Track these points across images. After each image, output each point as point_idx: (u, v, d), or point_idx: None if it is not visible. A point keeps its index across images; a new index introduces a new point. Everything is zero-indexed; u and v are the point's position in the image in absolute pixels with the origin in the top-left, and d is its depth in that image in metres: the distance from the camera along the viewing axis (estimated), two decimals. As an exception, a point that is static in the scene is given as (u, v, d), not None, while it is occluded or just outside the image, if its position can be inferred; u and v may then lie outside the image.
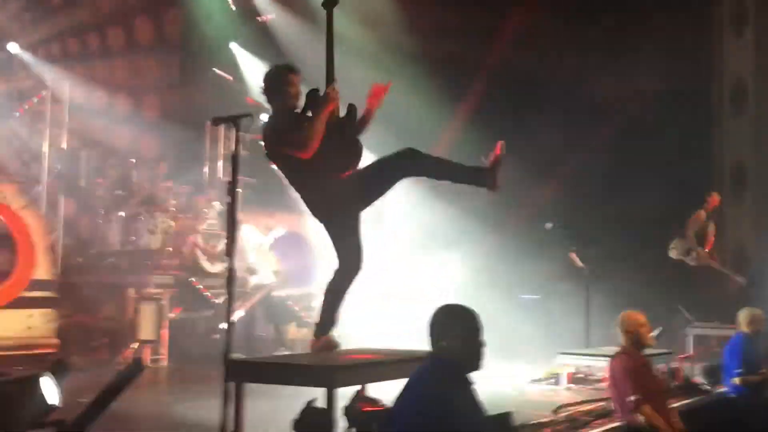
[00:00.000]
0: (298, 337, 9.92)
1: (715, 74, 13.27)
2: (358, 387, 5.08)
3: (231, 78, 12.02)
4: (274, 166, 5.21)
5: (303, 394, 4.73)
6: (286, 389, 5.05)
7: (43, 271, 8.81)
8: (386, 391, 4.83)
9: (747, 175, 12.96)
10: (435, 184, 5.52)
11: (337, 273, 5.21)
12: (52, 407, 3.64)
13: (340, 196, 5.08)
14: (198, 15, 12.29)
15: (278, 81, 5.18)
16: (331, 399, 4.40)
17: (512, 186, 12.28)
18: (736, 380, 7.38)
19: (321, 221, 5.21)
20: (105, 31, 12.48)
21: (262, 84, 5.27)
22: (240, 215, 10.25)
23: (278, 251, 10.52)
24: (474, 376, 3.63)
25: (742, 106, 13.11)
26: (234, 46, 12.59)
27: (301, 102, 5.18)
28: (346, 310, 5.35)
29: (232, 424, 4.40)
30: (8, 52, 10.17)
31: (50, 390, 3.66)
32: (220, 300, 9.24)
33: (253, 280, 9.94)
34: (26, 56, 10.31)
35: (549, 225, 9.72)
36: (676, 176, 11.91)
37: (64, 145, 10.27)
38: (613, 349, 5.99)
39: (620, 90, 11.89)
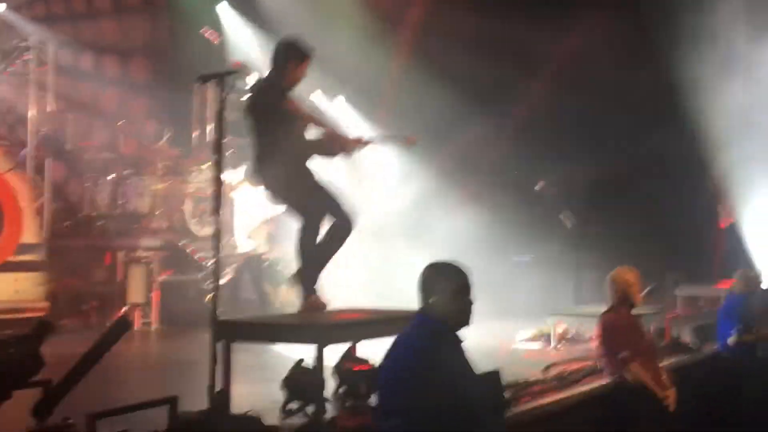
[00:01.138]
0: (289, 299, 9.92)
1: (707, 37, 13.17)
2: (348, 346, 5.09)
3: (218, 38, 11.88)
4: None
5: (292, 353, 4.74)
6: (275, 349, 5.05)
7: (30, 234, 8.75)
8: (376, 350, 4.84)
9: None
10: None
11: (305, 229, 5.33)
12: (40, 367, 3.62)
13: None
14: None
15: (294, 57, 5.40)
16: (320, 358, 4.39)
17: (501, 145, 12.45)
18: (732, 339, 7.43)
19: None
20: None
21: (281, 48, 5.44)
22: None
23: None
24: (464, 334, 3.61)
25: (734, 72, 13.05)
26: (221, 7, 12.42)
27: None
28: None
29: (221, 383, 4.39)
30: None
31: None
32: (210, 262, 9.22)
33: (242, 246, 9.90)
34: (11, 16, 10.13)
35: (539, 185, 9.69)
36: (665, 132, 11.90)
37: (50, 108, 10.15)
38: (602, 308, 6.00)
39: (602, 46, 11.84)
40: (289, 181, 5.34)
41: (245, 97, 5.64)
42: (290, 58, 5.42)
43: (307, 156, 5.49)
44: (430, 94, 12.10)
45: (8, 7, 9.89)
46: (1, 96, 10.31)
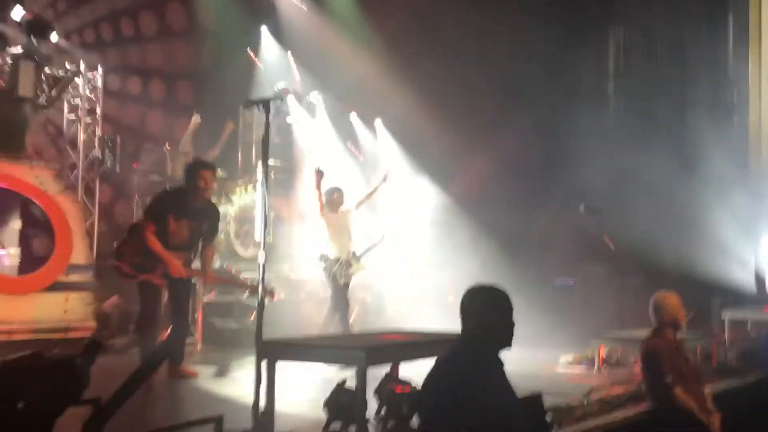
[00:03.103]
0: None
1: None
2: (389, 367, 5.12)
3: (260, 65, 12.13)
4: None
5: (334, 374, 4.78)
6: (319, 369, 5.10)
7: (79, 255, 8.94)
8: (417, 372, 4.84)
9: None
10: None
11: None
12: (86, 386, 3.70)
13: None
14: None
15: (192, 173, 6.66)
16: (362, 379, 4.42)
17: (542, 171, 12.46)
18: None
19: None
20: (138, 17, 12.54)
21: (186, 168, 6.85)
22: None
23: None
24: (505, 357, 3.62)
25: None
26: (264, 30, 12.64)
27: (208, 192, 6.77)
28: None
29: (265, 402, 4.44)
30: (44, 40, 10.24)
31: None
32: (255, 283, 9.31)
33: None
34: (62, 44, 10.41)
35: (582, 207, 9.63)
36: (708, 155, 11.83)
37: (99, 132, 10.38)
38: (646, 332, 5.94)
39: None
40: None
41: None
42: (190, 177, 6.66)
43: None
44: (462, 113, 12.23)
45: (59, 35, 10.16)
46: (51, 120, 10.58)
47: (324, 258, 8.50)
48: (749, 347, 8.25)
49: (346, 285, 8.51)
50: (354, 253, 8.69)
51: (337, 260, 8.47)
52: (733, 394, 6.91)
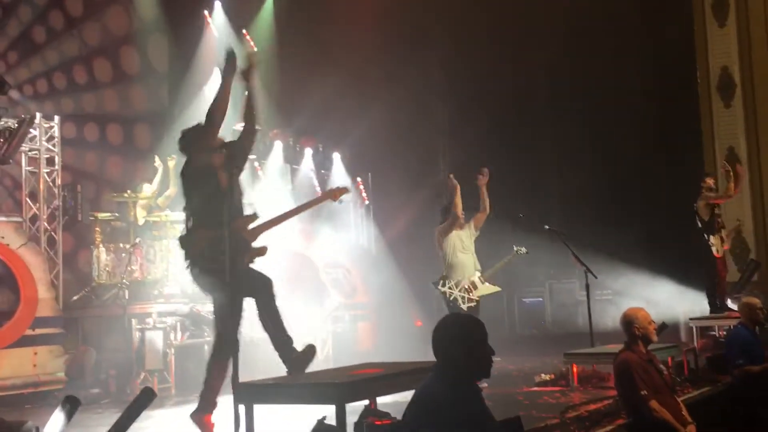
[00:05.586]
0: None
1: (701, 65, 13.41)
2: (367, 402, 5.12)
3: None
4: None
5: (313, 412, 4.78)
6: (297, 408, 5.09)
7: (46, 308, 8.85)
8: (396, 404, 4.86)
9: (739, 160, 13.07)
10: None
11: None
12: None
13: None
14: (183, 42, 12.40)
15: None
16: (341, 416, 4.43)
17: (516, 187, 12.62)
18: (738, 371, 7.38)
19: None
20: (91, 64, 12.48)
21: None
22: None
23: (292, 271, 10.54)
24: (482, 381, 3.65)
25: (730, 95, 13.26)
26: (216, 71, 12.67)
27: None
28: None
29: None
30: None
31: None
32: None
33: None
34: (15, 94, 10.34)
35: (546, 227, 9.70)
36: (669, 170, 12.06)
37: (58, 181, 10.29)
38: (618, 347, 6.01)
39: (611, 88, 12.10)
40: None
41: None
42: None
43: None
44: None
45: (13, 87, 10.08)
46: (7, 172, 10.47)
47: (444, 281, 8.00)
48: (717, 354, 8.35)
49: (471, 309, 7.95)
50: (480, 272, 8.22)
51: (457, 284, 7.97)
52: (707, 401, 7.00)
